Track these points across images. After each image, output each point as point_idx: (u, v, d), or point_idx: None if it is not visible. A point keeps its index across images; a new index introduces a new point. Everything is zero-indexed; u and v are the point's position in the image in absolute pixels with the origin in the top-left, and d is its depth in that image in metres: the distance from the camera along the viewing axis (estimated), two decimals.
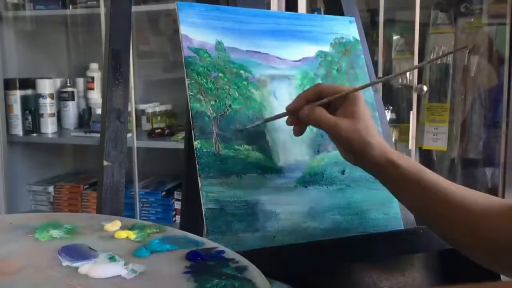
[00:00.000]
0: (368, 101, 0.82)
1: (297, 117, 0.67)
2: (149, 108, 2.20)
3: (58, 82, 2.28)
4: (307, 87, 0.78)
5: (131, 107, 1.95)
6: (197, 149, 0.66)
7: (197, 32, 0.71)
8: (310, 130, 0.76)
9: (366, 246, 0.70)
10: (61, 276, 0.44)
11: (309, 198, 0.72)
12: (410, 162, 0.65)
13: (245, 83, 0.73)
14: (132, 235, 0.54)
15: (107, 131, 0.80)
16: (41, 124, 2.18)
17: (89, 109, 2.27)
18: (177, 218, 2.11)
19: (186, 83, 0.69)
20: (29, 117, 2.16)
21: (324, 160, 0.75)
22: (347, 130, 0.64)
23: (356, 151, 0.65)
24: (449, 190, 0.65)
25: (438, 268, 0.78)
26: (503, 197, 1.80)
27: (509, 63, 1.78)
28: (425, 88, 1.84)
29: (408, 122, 1.86)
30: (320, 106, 0.66)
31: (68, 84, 2.26)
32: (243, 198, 0.67)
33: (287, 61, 0.77)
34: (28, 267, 0.46)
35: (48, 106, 2.17)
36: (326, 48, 0.81)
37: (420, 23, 1.80)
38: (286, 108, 0.68)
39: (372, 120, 0.66)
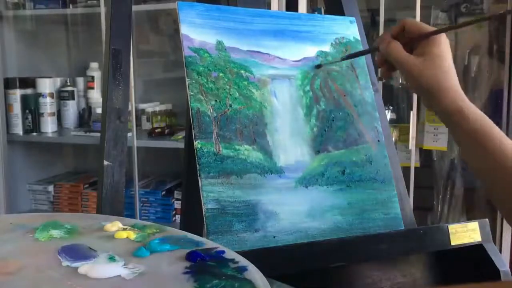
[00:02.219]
0: (368, 101, 0.82)
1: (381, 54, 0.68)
2: (149, 107, 2.20)
3: (58, 81, 2.28)
4: (308, 87, 0.78)
5: (131, 107, 1.95)
6: (197, 149, 0.66)
7: (197, 32, 0.71)
8: (310, 130, 0.76)
9: (366, 246, 0.70)
10: (61, 276, 0.44)
11: (309, 198, 0.72)
12: (478, 113, 0.62)
13: (245, 83, 0.73)
14: (132, 235, 0.54)
15: (107, 130, 0.80)
16: (41, 124, 2.18)
17: (89, 109, 2.27)
18: (177, 217, 2.11)
19: (187, 82, 0.68)
20: (29, 117, 2.16)
21: (324, 160, 0.75)
22: (419, 69, 0.63)
23: (424, 92, 0.64)
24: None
25: (438, 268, 0.78)
26: None
27: (509, 63, 1.77)
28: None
29: (408, 122, 1.86)
30: (399, 42, 0.66)
31: (68, 84, 2.26)
32: (243, 198, 0.67)
33: (288, 61, 0.77)
34: (28, 267, 0.45)
35: (48, 105, 2.17)
36: (327, 48, 0.81)
37: None
38: (374, 43, 0.70)
39: (450, 64, 0.64)
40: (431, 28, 0.66)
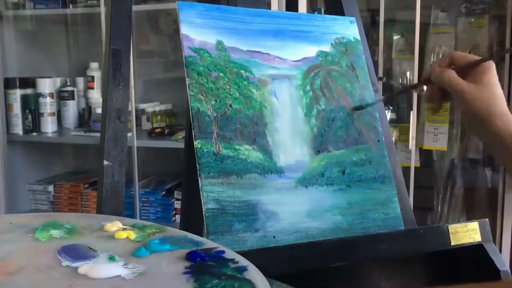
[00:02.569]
0: (369, 101, 0.82)
1: (430, 83, 0.70)
2: (149, 107, 2.20)
3: (58, 81, 2.28)
4: (308, 87, 0.78)
5: (131, 107, 1.95)
6: (198, 149, 0.66)
7: (197, 32, 0.71)
8: (310, 130, 0.76)
9: (366, 246, 0.70)
10: (61, 276, 0.44)
11: (309, 198, 0.72)
12: None
13: (245, 83, 0.73)
14: (132, 235, 0.54)
15: (107, 130, 0.80)
16: (41, 124, 2.18)
17: (89, 109, 2.27)
18: (177, 217, 2.11)
19: (187, 82, 0.68)
20: (29, 116, 2.16)
21: (325, 160, 0.75)
22: (472, 95, 0.65)
23: (479, 119, 0.66)
24: None
25: (438, 268, 0.78)
26: (503, 197, 1.80)
27: (509, 63, 1.77)
28: (425, 88, 1.84)
29: (408, 122, 1.86)
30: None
31: (68, 84, 2.26)
32: (243, 198, 0.67)
33: (288, 61, 0.77)
34: (28, 267, 0.45)
35: (48, 105, 2.17)
36: (327, 48, 0.81)
37: (420, 23, 1.79)
38: (422, 77, 0.72)
39: (501, 91, 0.67)
40: (477, 58, 0.68)
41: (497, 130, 0.65)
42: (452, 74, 0.68)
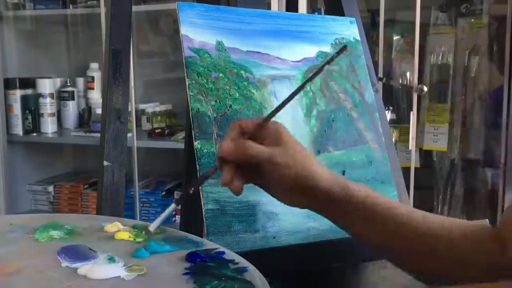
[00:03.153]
0: (369, 102, 0.82)
1: (228, 163, 0.58)
2: (149, 108, 2.20)
3: (58, 81, 2.28)
4: (308, 87, 0.78)
5: (131, 107, 1.95)
6: (198, 150, 0.66)
7: (197, 32, 0.71)
8: (310, 130, 0.76)
9: (366, 247, 0.70)
10: (60, 277, 0.44)
11: None
12: (360, 185, 0.60)
13: (245, 83, 0.73)
14: (132, 236, 0.54)
15: (107, 131, 0.80)
16: (41, 124, 2.18)
17: (89, 109, 2.27)
18: (177, 218, 2.11)
19: (187, 83, 0.68)
20: (29, 117, 2.16)
21: (325, 161, 0.75)
22: (283, 155, 0.57)
23: (299, 179, 0.57)
24: (415, 219, 0.59)
25: None
26: (503, 197, 1.80)
27: (509, 63, 1.77)
28: (425, 88, 1.84)
29: (408, 122, 1.86)
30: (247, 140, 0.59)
31: (68, 84, 2.26)
32: (243, 198, 0.67)
33: (288, 62, 0.77)
34: (28, 268, 0.45)
35: (48, 105, 2.17)
36: (327, 49, 0.81)
37: (420, 24, 1.79)
38: (216, 155, 0.60)
39: (303, 148, 0.60)
40: (261, 118, 0.61)
41: (325, 188, 0.58)
42: (249, 143, 0.58)
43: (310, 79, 0.64)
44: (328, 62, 0.63)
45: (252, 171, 0.59)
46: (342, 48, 0.63)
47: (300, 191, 0.58)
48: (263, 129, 0.60)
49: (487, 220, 0.66)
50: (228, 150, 0.57)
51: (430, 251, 0.57)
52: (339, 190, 0.58)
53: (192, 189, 0.59)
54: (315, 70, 0.63)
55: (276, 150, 0.58)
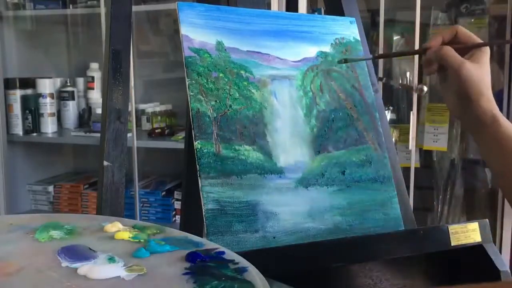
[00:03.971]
0: (369, 102, 0.82)
1: (428, 57, 0.71)
2: (149, 108, 2.20)
3: (58, 81, 2.28)
4: (308, 87, 0.78)
5: (131, 107, 1.95)
6: (198, 150, 0.66)
7: (197, 32, 0.71)
8: (310, 130, 0.76)
9: (366, 247, 0.70)
10: (60, 277, 0.44)
11: (309, 198, 0.72)
12: (509, 123, 0.68)
13: (245, 83, 0.73)
14: (132, 236, 0.54)
15: (107, 131, 0.80)
16: (41, 124, 2.18)
17: (89, 109, 2.27)
18: (177, 218, 2.11)
19: (187, 83, 0.68)
20: (29, 117, 2.16)
21: (324, 161, 0.75)
22: (470, 72, 0.67)
23: (469, 96, 0.67)
24: None
25: (438, 268, 0.78)
26: (503, 198, 1.79)
27: (509, 63, 1.77)
28: (425, 88, 1.84)
29: (408, 122, 1.86)
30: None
31: (68, 84, 2.26)
32: (243, 198, 0.67)
33: (288, 62, 0.77)
34: (28, 268, 0.45)
35: (48, 105, 2.17)
36: (327, 49, 0.81)
37: (420, 24, 1.79)
38: (422, 46, 0.72)
39: (489, 74, 0.69)
40: (477, 38, 0.71)
41: (481, 111, 0.68)
42: (452, 52, 0.68)
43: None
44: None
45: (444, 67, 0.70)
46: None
47: (463, 103, 0.69)
48: (473, 41, 0.70)
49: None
50: (434, 47, 0.70)
51: None
52: (489, 118, 0.68)
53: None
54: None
55: (467, 64, 0.67)
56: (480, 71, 0.68)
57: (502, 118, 0.68)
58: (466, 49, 0.70)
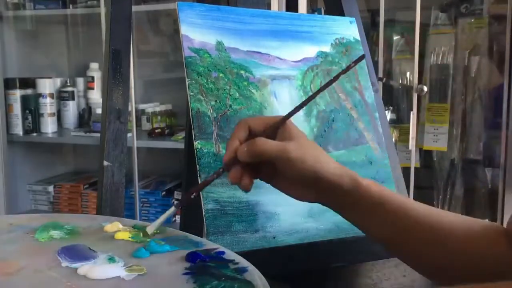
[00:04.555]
0: (369, 101, 0.82)
1: (236, 163, 0.58)
2: (149, 108, 2.20)
3: (58, 81, 2.28)
4: (308, 87, 0.78)
5: (131, 107, 1.95)
6: (198, 149, 0.66)
7: (197, 32, 0.71)
8: (310, 130, 0.76)
9: (366, 247, 0.70)
10: (60, 277, 0.44)
11: None
12: (371, 181, 0.60)
13: (245, 83, 0.73)
14: (131, 236, 0.54)
15: (107, 131, 0.80)
16: (41, 124, 2.18)
17: (89, 109, 2.27)
18: (177, 218, 2.11)
19: (187, 83, 0.68)
20: (29, 117, 2.16)
21: None
22: (298, 149, 0.57)
23: (313, 173, 0.57)
24: (424, 213, 0.59)
25: None
26: (503, 198, 1.79)
27: (509, 63, 1.77)
28: (425, 88, 1.84)
29: (408, 122, 1.86)
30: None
31: (68, 84, 2.26)
32: (243, 198, 0.67)
33: (288, 62, 0.77)
34: (28, 268, 0.45)
35: (48, 105, 2.18)
36: (327, 49, 0.81)
37: (420, 24, 1.79)
38: (224, 161, 0.59)
39: (314, 142, 0.62)
40: (271, 117, 0.62)
41: (336, 182, 0.58)
42: (264, 141, 0.57)
43: (325, 87, 0.64)
44: (344, 71, 0.63)
45: (260, 166, 0.59)
46: (361, 57, 0.63)
47: (310, 183, 0.59)
48: (272, 128, 0.60)
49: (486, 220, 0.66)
50: (241, 150, 0.57)
51: (443, 245, 0.57)
52: (348, 181, 0.58)
53: (194, 194, 0.58)
54: (330, 79, 0.64)
55: (290, 145, 0.57)
56: (304, 143, 0.59)
57: (362, 178, 0.58)
58: (270, 133, 0.60)
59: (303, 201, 0.61)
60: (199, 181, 0.65)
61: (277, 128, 0.60)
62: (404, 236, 0.58)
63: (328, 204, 0.61)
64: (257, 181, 0.61)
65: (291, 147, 0.57)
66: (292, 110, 0.62)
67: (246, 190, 0.58)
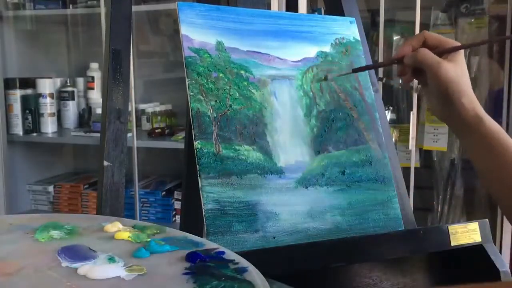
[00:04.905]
0: (369, 102, 0.82)
1: (402, 63, 0.71)
2: (149, 108, 2.20)
3: (58, 81, 2.28)
4: (308, 87, 0.78)
5: (131, 107, 1.95)
6: (198, 149, 0.66)
7: (197, 32, 0.71)
8: (310, 131, 0.76)
9: (366, 247, 0.70)
10: (60, 277, 0.44)
11: (309, 198, 0.72)
12: (492, 121, 0.69)
13: (245, 83, 0.73)
14: (132, 236, 0.54)
15: (107, 131, 0.80)
16: (41, 124, 2.18)
17: (89, 109, 2.27)
18: (177, 218, 2.11)
19: (187, 83, 0.68)
20: (29, 117, 2.16)
21: (324, 161, 0.75)
22: (449, 71, 0.67)
23: (450, 96, 0.67)
24: None
25: (438, 268, 0.78)
26: None
27: (509, 63, 1.77)
28: (415, 85, 1.84)
29: (408, 122, 1.86)
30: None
31: (68, 84, 2.26)
32: (243, 198, 0.67)
33: (288, 62, 0.77)
34: (28, 268, 0.45)
35: (48, 105, 2.17)
36: (327, 49, 0.81)
37: (420, 24, 1.79)
38: (395, 55, 0.72)
39: (467, 73, 0.70)
40: (449, 40, 0.70)
41: (464, 111, 0.68)
42: (426, 52, 0.69)
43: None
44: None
45: (423, 72, 0.70)
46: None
47: (444, 105, 0.69)
48: (443, 43, 0.70)
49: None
50: (407, 55, 0.70)
51: None
52: (473, 115, 0.68)
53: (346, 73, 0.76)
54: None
55: (450, 64, 0.68)
56: (457, 69, 0.68)
57: (485, 116, 0.68)
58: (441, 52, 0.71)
59: (435, 115, 0.73)
60: (199, 182, 0.65)
61: (448, 52, 0.69)
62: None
63: (454, 131, 0.73)
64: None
65: (444, 66, 0.67)
66: (464, 45, 0.73)
67: (406, 83, 0.73)
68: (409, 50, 0.71)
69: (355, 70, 0.79)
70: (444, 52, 0.70)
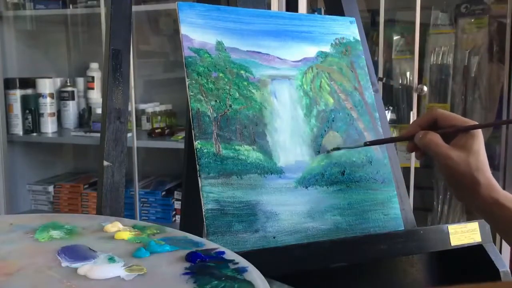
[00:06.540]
0: (369, 102, 0.82)
1: (413, 142, 0.68)
2: (149, 108, 2.20)
3: (58, 81, 2.28)
4: (308, 87, 0.78)
5: (131, 107, 1.95)
6: (197, 149, 0.66)
7: (197, 32, 0.71)
8: (310, 131, 0.76)
9: (366, 247, 0.70)
10: (60, 277, 0.44)
11: (309, 198, 0.72)
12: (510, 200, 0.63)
13: (245, 83, 0.73)
14: (132, 236, 0.54)
15: (107, 131, 0.80)
16: (41, 124, 2.18)
17: (89, 109, 2.27)
18: (177, 218, 2.11)
19: (187, 83, 0.68)
20: (29, 117, 2.16)
21: (324, 161, 0.75)
22: (457, 162, 0.62)
23: (463, 186, 0.63)
24: None
25: (438, 268, 0.78)
26: None
27: (509, 63, 1.77)
28: (425, 88, 1.84)
29: (408, 122, 1.86)
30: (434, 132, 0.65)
31: (68, 84, 2.26)
32: (243, 198, 0.67)
33: (288, 62, 0.77)
34: (28, 268, 0.45)
35: (48, 105, 2.17)
36: (327, 49, 0.81)
37: (420, 24, 1.79)
38: (402, 135, 0.71)
39: (485, 157, 0.64)
40: (463, 119, 0.65)
41: (481, 199, 0.63)
42: (436, 140, 0.64)
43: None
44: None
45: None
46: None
47: (462, 191, 0.65)
48: (457, 122, 0.65)
49: None
50: (416, 135, 0.66)
51: None
52: (492, 202, 0.62)
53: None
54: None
55: (457, 154, 0.62)
56: (471, 159, 0.62)
57: (507, 200, 0.62)
58: (452, 134, 0.65)
59: (456, 198, 0.69)
60: (199, 182, 0.65)
61: (459, 132, 0.64)
62: None
63: (476, 213, 0.67)
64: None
65: (453, 156, 0.62)
66: (480, 124, 0.64)
67: (418, 159, 0.71)
68: (416, 131, 0.67)
69: (367, 144, 0.75)
70: (459, 132, 0.64)
